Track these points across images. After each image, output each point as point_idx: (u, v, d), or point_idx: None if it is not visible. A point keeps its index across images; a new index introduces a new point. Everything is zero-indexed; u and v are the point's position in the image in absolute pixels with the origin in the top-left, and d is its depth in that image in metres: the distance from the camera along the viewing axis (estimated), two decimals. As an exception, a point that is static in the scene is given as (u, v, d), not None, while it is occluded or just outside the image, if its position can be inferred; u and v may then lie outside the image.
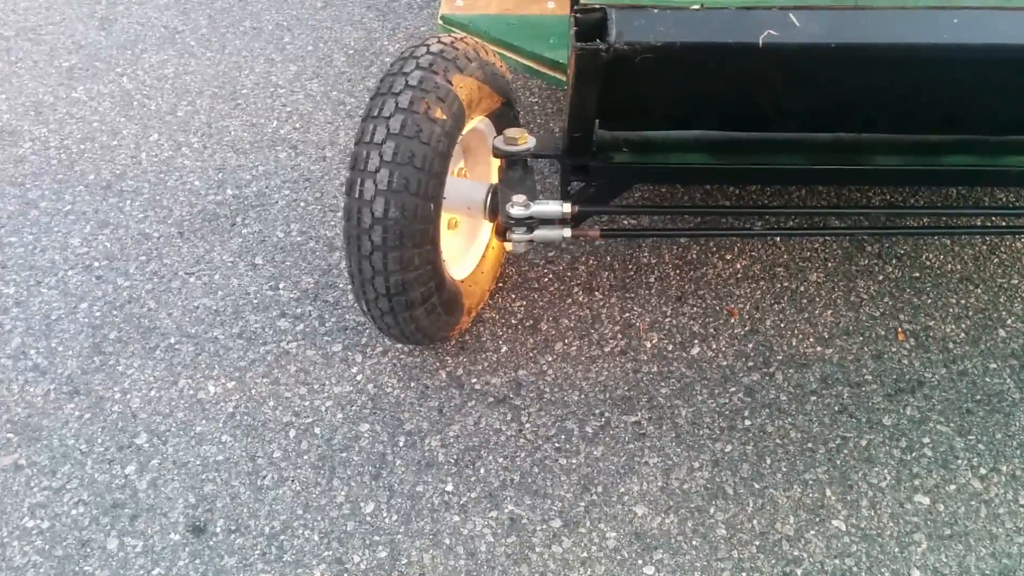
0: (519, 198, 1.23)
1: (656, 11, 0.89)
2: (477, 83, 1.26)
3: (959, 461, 1.27)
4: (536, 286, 1.57)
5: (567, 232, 1.25)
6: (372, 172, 1.16)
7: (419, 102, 1.17)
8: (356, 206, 1.17)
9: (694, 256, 1.63)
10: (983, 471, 1.26)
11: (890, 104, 1.14)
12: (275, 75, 2.17)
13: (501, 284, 1.57)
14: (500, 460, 1.28)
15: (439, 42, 1.26)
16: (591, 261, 1.62)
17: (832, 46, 0.87)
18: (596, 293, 1.56)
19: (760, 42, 0.87)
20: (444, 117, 1.19)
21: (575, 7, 0.93)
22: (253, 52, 2.27)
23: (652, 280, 1.59)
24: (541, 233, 1.25)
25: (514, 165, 1.31)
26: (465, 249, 1.46)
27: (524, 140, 1.30)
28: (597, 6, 0.91)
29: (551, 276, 1.59)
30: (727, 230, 1.55)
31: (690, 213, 1.61)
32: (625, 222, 1.64)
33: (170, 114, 2.02)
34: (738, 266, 1.61)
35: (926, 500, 1.23)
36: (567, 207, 1.22)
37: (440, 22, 1.66)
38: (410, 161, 1.15)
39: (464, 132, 1.31)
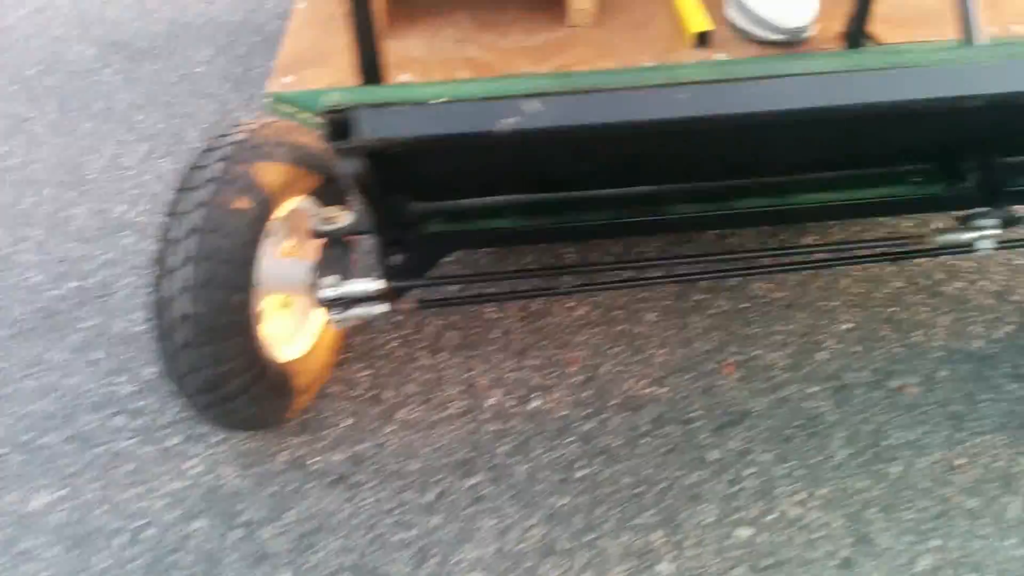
0: (330, 279, 1.25)
1: (398, 108, 0.93)
2: (286, 167, 1.28)
3: (778, 490, 1.33)
4: (382, 353, 1.59)
5: (384, 308, 1.27)
6: (175, 268, 1.16)
7: (221, 194, 1.19)
8: (162, 303, 1.17)
9: (537, 307, 1.67)
10: (800, 497, 1.31)
11: (655, 166, 1.20)
12: (125, 157, 2.15)
13: (348, 354, 1.59)
14: (337, 542, 1.29)
15: (242, 131, 1.28)
16: (438, 321, 1.65)
17: (564, 128, 0.91)
18: (441, 354, 1.58)
19: (497, 130, 0.91)
20: (249, 207, 1.20)
21: (324, 109, 0.96)
22: (103, 134, 2.26)
23: (496, 335, 1.62)
24: (357, 311, 1.27)
25: (333, 243, 1.33)
26: (299, 327, 1.47)
27: (341, 218, 1.32)
28: (345, 106, 0.94)
29: (398, 341, 1.61)
30: (542, 291, 1.59)
31: (503, 278, 1.64)
32: (456, 289, 1.67)
33: (12, 207, 1.99)
34: (579, 313, 1.65)
35: (747, 532, 1.27)
36: (378, 284, 1.24)
37: (268, 100, 1.68)
38: (213, 255, 1.16)
39: (281, 215, 1.32)
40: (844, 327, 1.58)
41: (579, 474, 1.37)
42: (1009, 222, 1.22)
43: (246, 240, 1.19)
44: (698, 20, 1.69)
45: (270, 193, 1.24)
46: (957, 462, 1.35)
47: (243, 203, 1.19)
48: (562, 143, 1.01)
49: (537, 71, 1.61)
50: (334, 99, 0.95)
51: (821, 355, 1.54)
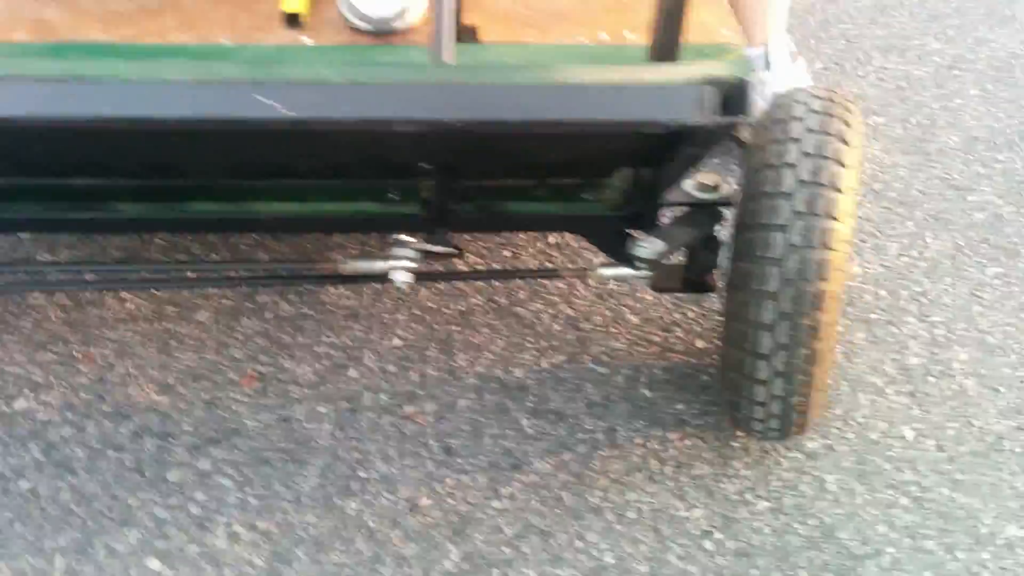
0: None
1: None
2: None
3: (221, 518, 1.22)
4: None
5: None
6: None
7: None
8: None
9: (91, 296, 1.54)
10: (238, 528, 1.21)
11: (90, 160, 1.08)
12: None
13: None
14: None
15: None
16: (-26, 302, 1.51)
17: None
18: (-44, 340, 1.45)
19: None
20: None
21: None
22: None
23: (27, 323, 1.48)
24: None
25: None
26: None
27: None
28: None
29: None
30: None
31: None
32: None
33: None
34: (131, 306, 1.52)
35: (157, 564, 1.17)
36: None
37: None
38: None
39: None
40: (394, 343, 1.48)
41: (23, 486, 1.25)
42: (429, 254, 1.11)
43: None
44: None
45: None
46: (423, 502, 1.25)
47: None
48: None
49: (102, 39, 1.48)
50: None
51: (353, 372, 1.43)
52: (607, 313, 1.54)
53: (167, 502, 1.24)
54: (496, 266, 1.61)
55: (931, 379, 1.44)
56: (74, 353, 1.44)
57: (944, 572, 1.19)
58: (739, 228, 1.05)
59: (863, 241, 1.70)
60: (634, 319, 1.53)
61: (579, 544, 1.21)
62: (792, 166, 1.02)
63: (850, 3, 2.48)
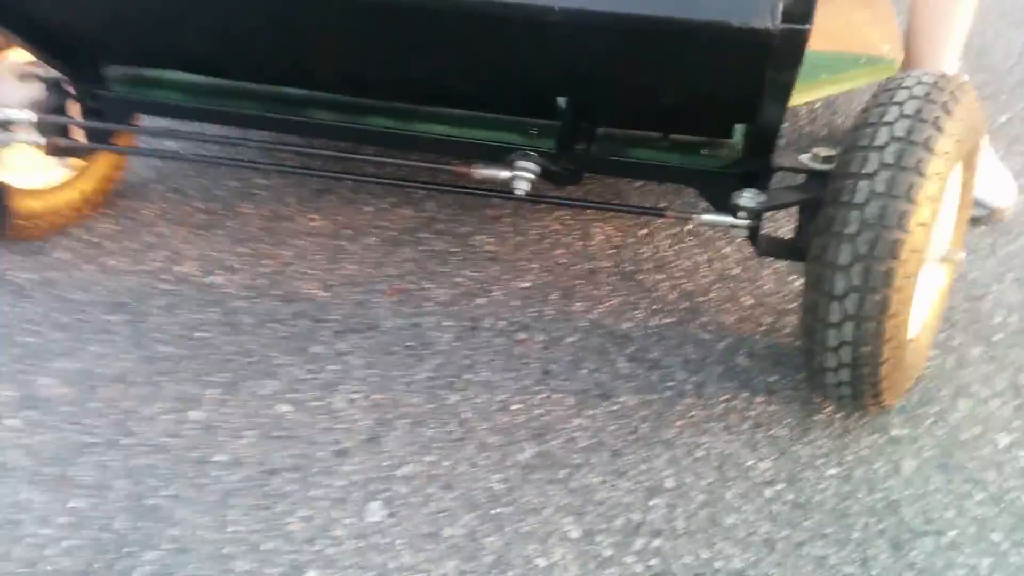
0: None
1: None
2: None
3: (344, 386, 1.42)
4: (139, 216, 1.81)
5: (39, 140, 1.48)
6: None
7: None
8: None
9: (285, 212, 1.83)
10: (355, 396, 1.41)
11: (308, 61, 1.34)
12: None
13: (115, 205, 1.81)
14: (-23, 328, 1.51)
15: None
16: (197, 204, 1.84)
17: None
18: (181, 228, 1.78)
19: None
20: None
21: None
22: None
23: (233, 225, 1.79)
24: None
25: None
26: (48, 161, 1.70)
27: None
28: None
29: (158, 210, 1.82)
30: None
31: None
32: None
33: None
34: (316, 224, 1.80)
35: (285, 408, 1.38)
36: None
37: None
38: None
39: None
40: (522, 285, 1.64)
41: (197, 334, 1.53)
42: (549, 172, 1.25)
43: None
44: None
45: None
46: (513, 407, 1.39)
47: None
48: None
49: None
50: None
51: (481, 300, 1.61)
52: (724, 292, 1.62)
53: (306, 367, 1.47)
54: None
55: (1044, 400, 1.40)
56: (264, 251, 1.73)
57: (1004, 563, 1.16)
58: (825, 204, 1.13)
59: (1008, 270, 1.67)
60: (749, 300, 1.61)
61: (644, 467, 1.30)
62: (880, 148, 1.09)
63: (1061, 64, 2.42)
